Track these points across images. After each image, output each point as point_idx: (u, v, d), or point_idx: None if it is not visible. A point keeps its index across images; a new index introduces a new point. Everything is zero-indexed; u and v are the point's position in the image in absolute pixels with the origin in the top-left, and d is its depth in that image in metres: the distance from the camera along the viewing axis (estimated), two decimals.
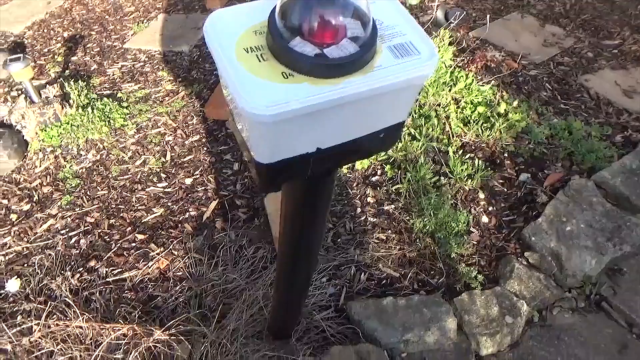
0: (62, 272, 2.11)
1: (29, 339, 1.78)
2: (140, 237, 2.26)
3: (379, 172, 2.49)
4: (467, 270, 2.06)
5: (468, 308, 1.90)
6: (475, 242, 2.19)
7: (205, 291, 1.98)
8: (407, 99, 0.82)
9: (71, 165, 2.66)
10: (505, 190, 2.40)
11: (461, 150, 2.54)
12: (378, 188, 2.41)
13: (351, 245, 2.17)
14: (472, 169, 2.40)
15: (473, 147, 2.58)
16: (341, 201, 2.37)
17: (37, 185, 2.58)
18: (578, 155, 2.47)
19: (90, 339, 1.77)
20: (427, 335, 1.81)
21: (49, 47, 3.72)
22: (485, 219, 2.28)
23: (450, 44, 3.03)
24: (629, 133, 2.65)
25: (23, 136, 2.77)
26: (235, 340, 1.71)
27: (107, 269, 2.13)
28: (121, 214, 2.38)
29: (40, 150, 2.75)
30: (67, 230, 2.33)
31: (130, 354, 1.69)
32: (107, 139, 2.80)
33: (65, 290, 2.00)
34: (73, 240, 2.28)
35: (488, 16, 3.43)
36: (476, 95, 2.71)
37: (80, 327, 1.80)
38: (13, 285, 2.04)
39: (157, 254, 2.17)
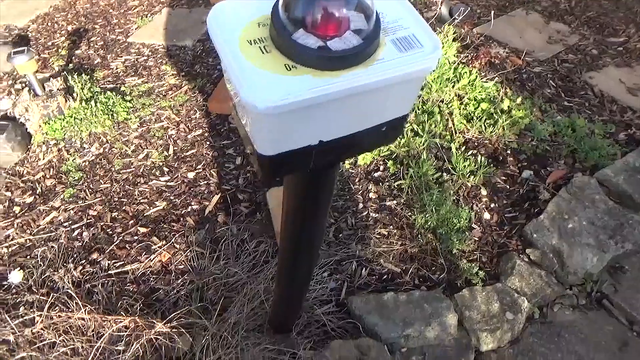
0: (65, 264, 2.12)
1: (31, 330, 1.79)
2: (142, 230, 2.27)
3: (381, 167, 2.49)
4: (468, 266, 2.06)
5: (469, 304, 1.90)
6: (476, 239, 2.19)
7: (206, 284, 1.99)
8: (410, 93, 0.82)
9: (74, 159, 2.67)
10: (508, 187, 2.39)
11: (464, 147, 2.54)
12: (380, 184, 2.41)
13: (353, 240, 2.18)
14: (475, 166, 2.40)
15: (476, 144, 2.57)
16: (343, 196, 2.37)
17: (40, 178, 2.58)
18: (581, 152, 2.46)
19: (92, 331, 1.78)
20: (428, 331, 1.82)
21: (53, 41, 3.72)
22: (487, 215, 2.28)
23: (454, 40, 3.02)
24: (632, 131, 2.65)
25: (26, 129, 2.78)
26: (236, 334, 1.72)
27: (109, 262, 2.13)
28: (124, 207, 2.39)
29: (44, 143, 2.76)
30: (70, 222, 2.33)
31: (132, 346, 1.70)
32: (110, 132, 2.80)
33: (68, 282, 2.01)
34: (76, 232, 2.29)
35: (492, 12, 3.42)
36: (480, 92, 2.71)
37: (82, 319, 1.81)
38: (16, 276, 2.05)
39: (159, 247, 2.18)
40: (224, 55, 0.71)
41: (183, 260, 2.12)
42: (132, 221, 2.32)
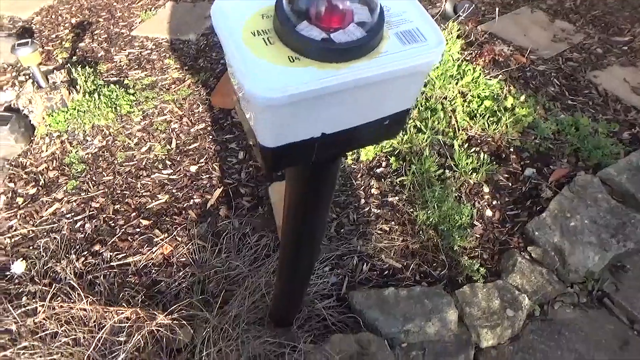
0: (67, 255, 2.13)
1: (34, 320, 1.80)
2: (144, 222, 2.27)
3: (383, 163, 2.49)
4: (469, 263, 2.06)
5: (469, 300, 1.91)
6: (478, 236, 2.19)
7: (208, 277, 2.00)
8: (413, 86, 0.82)
9: (77, 151, 2.67)
10: (510, 184, 2.39)
11: (467, 144, 2.53)
12: (382, 179, 2.41)
13: (354, 235, 2.18)
14: (477, 163, 2.39)
15: (479, 141, 2.57)
16: (345, 192, 2.38)
17: (43, 170, 2.59)
18: (584, 151, 2.46)
19: (94, 322, 1.79)
20: (428, 326, 1.82)
21: (57, 33, 3.72)
22: (489, 212, 2.28)
23: (458, 37, 3.01)
24: (636, 130, 2.64)
25: (30, 121, 2.79)
26: (237, 326, 1.73)
27: (111, 254, 2.14)
28: (126, 200, 2.40)
29: (47, 135, 2.76)
30: (73, 214, 2.34)
31: (133, 337, 1.71)
32: (113, 125, 2.81)
33: (70, 273, 2.02)
34: (78, 224, 2.30)
35: (497, 10, 3.41)
36: (483, 89, 2.70)
37: (84, 310, 1.82)
38: (18, 267, 2.06)
39: (161, 239, 2.19)
40: (228, 46, 0.71)
41: (185, 253, 2.12)
42: (134, 214, 2.33)
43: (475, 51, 3.10)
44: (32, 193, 2.47)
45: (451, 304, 1.88)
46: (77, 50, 3.52)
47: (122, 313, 1.78)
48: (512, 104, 2.63)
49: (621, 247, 2.04)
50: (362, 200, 2.34)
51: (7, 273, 2.07)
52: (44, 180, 2.53)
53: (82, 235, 2.24)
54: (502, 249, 2.15)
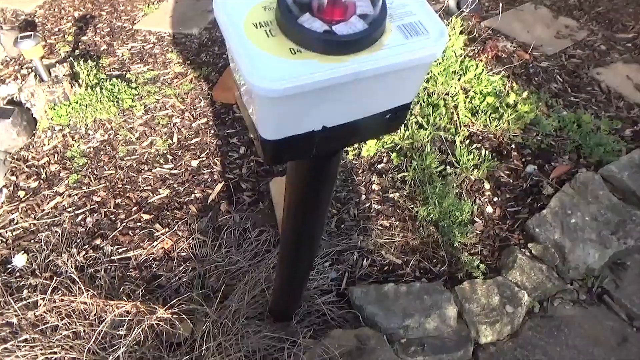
0: (68, 249, 2.14)
1: (34, 313, 1.81)
2: (145, 217, 2.28)
3: (384, 159, 2.49)
4: (469, 259, 2.06)
5: (469, 296, 1.91)
6: (478, 232, 2.19)
7: (208, 272, 2.00)
8: (414, 80, 0.82)
9: (79, 145, 2.67)
10: (511, 181, 2.39)
11: (468, 140, 2.53)
12: (383, 175, 2.41)
13: (355, 231, 2.18)
14: (479, 159, 2.39)
15: (480, 138, 2.57)
16: (346, 187, 2.38)
17: (45, 163, 2.60)
18: (586, 148, 2.45)
19: (95, 315, 1.80)
20: (427, 322, 1.82)
21: (60, 27, 3.72)
22: (489, 209, 2.28)
23: (461, 32, 3.00)
24: (638, 127, 2.63)
25: (32, 114, 2.79)
26: (236, 321, 1.73)
27: (112, 248, 2.15)
28: (127, 194, 2.40)
29: (49, 129, 2.76)
30: (74, 208, 2.35)
31: (134, 330, 1.71)
32: (115, 119, 2.81)
33: (71, 266, 2.03)
34: (79, 218, 2.30)
35: (501, 6, 3.39)
36: (485, 86, 2.69)
37: (85, 303, 1.82)
38: (20, 260, 2.07)
39: (162, 234, 2.19)
40: (230, 38, 0.70)
41: (185, 248, 2.13)
42: (135, 208, 2.33)
43: (478, 47, 3.09)
44: (33, 186, 2.47)
45: (451, 300, 1.89)
46: (80, 43, 3.52)
47: (123, 307, 1.79)
48: (514, 101, 2.63)
49: (621, 245, 2.04)
50: (363, 196, 2.34)
51: (9, 266, 2.07)
52: (45, 173, 2.53)
53: (83, 229, 2.25)
54: (502, 246, 2.15)
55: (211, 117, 2.82)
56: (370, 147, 2.49)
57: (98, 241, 2.18)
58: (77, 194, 2.41)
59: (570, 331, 1.89)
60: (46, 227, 2.26)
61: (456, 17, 3.09)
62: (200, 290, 1.91)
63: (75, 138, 2.72)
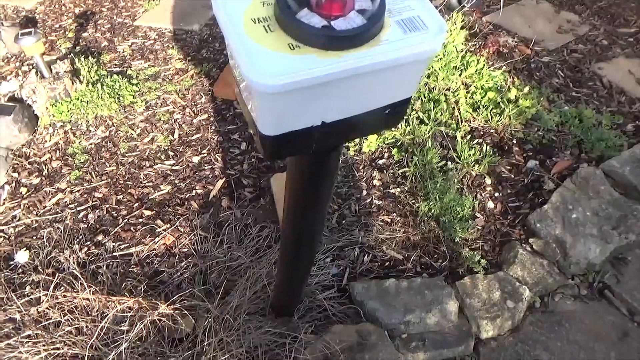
0: (70, 245, 2.15)
1: (37, 309, 1.82)
2: (147, 213, 2.28)
3: (385, 155, 2.48)
4: (470, 254, 2.07)
5: (470, 292, 1.91)
6: (479, 227, 2.19)
7: (210, 268, 2.01)
8: (414, 75, 0.81)
9: (80, 141, 2.68)
10: (512, 176, 2.39)
11: (469, 136, 2.53)
12: (384, 171, 2.41)
13: (356, 227, 2.18)
14: (480, 155, 2.39)
15: (481, 133, 2.56)
16: (347, 183, 2.38)
17: (46, 160, 2.60)
18: (587, 143, 2.45)
19: (97, 311, 1.81)
20: (428, 317, 1.83)
21: (60, 23, 3.72)
22: (490, 204, 2.28)
23: (462, 27, 2.99)
24: None
25: (33, 111, 2.80)
26: (238, 316, 1.74)
27: (114, 244, 2.15)
28: (129, 190, 2.41)
29: (50, 125, 2.77)
30: (76, 204, 2.35)
31: (136, 326, 1.72)
32: (116, 115, 2.81)
33: (73, 263, 2.03)
34: (81, 214, 2.31)
35: (502, 1, 3.38)
36: (487, 81, 2.69)
37: (87, 299, 1.83)
38: (22, 256, 2.08)
39: (163, 230, 2.19)
40: (228, 33, 0.70)
41: (187, 244, 2.13)
42: (137, 204, 2.33)
43: (480, 42, 3.09)
44: (35, 183, 2.48)
45: (451, 295, 1.89)
46: (81, 40, 3.52)
47: (125, 303, 1.79)
48: (515, 96, 2.62)
49: (622, 240, 2.04)
50: (364, 192, 2.34)
51: (11, 262, 2.08)
52: (47, 170, 2.54)
53: (85, 226, 2.25)
54: (503, 241, 2.15)
55: (212, 113, 2.82)
56: (371, 143, 2.49)
57: (100, 237, 2.19)
58: (78, 191, 2.41)
59: (571, 326, 1.89)
60: (48, 223, 2.27)
61: (457, 12, 3.08)
62: (201, 286, 1.92)
63: (76, 134, 2.72)
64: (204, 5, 3.76)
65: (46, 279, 1.95)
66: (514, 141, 2.52)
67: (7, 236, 2.23)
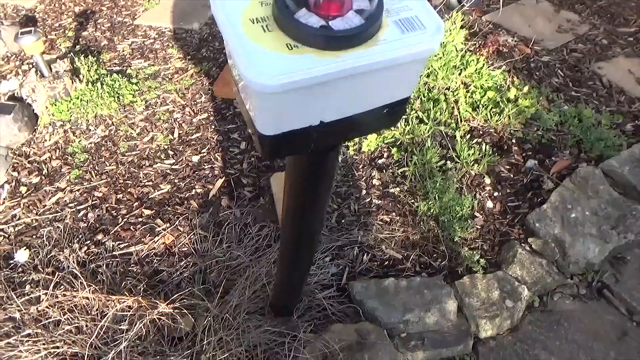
0: (70, 244, 2.15)
1: (37, 308, 1.82)
2: (146, 212, 2.29)
3: (385, 154, 2.49)
4: (469, 254, 2.07)
5: (469, 291, 1.91)
6: (479, 227, 2.20)
7: (209, 267, 2.01)
8: (412, 74, 0.82)
9: (80, 140, 2.68)
10: (512, 176, 2.39)
11: (469, 135, 2.53)
12: (384, 170, 2.41)
13: (355, 226, 2.19)
14: (479, 154, 2.39)
15: (481, 132, 2.56)
16: (346, 183, 2.38)
17: (46, 159, 2.60)
18: (587, 142, 2.45)
19: (96, 310, 1.81)
20: (427, 317, 1.83)
21: (60, 22, 3.72)
22: (490, 204, 2.28)
23: (462, 27, 2.99)
24: (639, 122, 2.63)
25: (33, 110, 2.80)
26: (237, 315, 1.74)
27: (113, 243, 2.16)
28: (128, 189, 2.41)
29: (50, 124, 2.77)
30: (76, 203, 2.36)
31: (135, 325, 1.72)
32: (116, 114, 2.81)
33: (73, 262, 2.04)
34: (81, 213, 2.31)
35: (502, 0, 3.38)
36: (486, 80, 2.69)
37: (87, 298, 1.83)
38: (22, 255, 2.08)
39: (163, 229, 2.20)
40: (226, 33, 0.71)
41: (186, 243, 2.13)
42: (136, 203, 2.34)
43: (479, 41, 3.08)
44: (35, 182, 2.48)
45: (451, 295, 1.89)
46: (80, 39, 3.52)
47: (124, 302, 1.80)
48: (515, 95, 2.62)
49: (621, 239, 2.04)
50: (364, 191, 2.34)
51: (11, 262, 2.08)
52: (47, 169, 2.54)
53: (85, 225, 2.26)
54: (502, 240, 2.15)
55: (212, 113, 2.82)
56: (370, 142, 2.49)
57: (100, 236, 2.19)
58: (78, 190, 2.42)
59: (570, 325, 1.89)
60: (48, 222, 2.27)
61: (457, 11, 3.08)
62: (201, 285, 1.92)
63: (76, 134, 2.72)
64: (204, 4, 3.77)
65: (46, 278, 1.96)
66: (514, 141, 2.52)
67: (7, 235, 2.23)
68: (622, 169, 2.25)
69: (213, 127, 2.73)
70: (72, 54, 3.20)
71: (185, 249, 2.12)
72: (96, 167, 2.53)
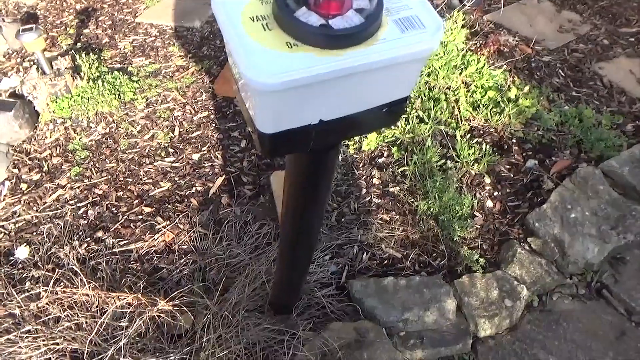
0: (70, 241, 2.15)
1: (37, 305, 1.83)
2: (147, 210, 2.29)
3: (385, 153, 2.49)
4: (469, 253, 2.07)
5: (468, 290, 1.92)
6: (478, 226, 2.20)
7: (209, 265, 2.01)
8: (411, 73, 0.82)
9: (81, 137, 2.68)
10: (512, 175, 2.39)
11: (469, 135, 2.53)
12: (384, 169, 2.41)
13: (355, 225, 2.19)
14: (479, 154, 2.39)
15: (481, 132, 2.56)
16: (346, 181, 2.38)
17: (47, 156, 2.61)
18: (587, 143, 2.45)
19: (96, 307, 1.82)
20: (426, 315, 1.83)
21: (62, 19, 3.72)
22: (489, 203, 2.28)
23: (463, 26, 2.99)
24: None
25: (34, 107, 2.80)
26: (237, 313, 1.74)
27: (113, 240, 2.16)
28: (129, 187, 2.41)
29: (51, 122, 2.77)
30: (76, 200, 2.36)
31: (135, 322, 1.73)
32: (117, 112, 2.82)
33: (73, 259, 2.04)
34: (81, 210, 2.31)
35: (503, 0, 3.38)
36: (487, 80, 2.69)
37: (87, 295, 1.84)
38: (22, 252, 2.09)
39: (163, 227, 2.20)
40: (227, 31, 0.71)
41: (186, 241, 2.14)
42: (137, 201, 2.34)
43: (480, 41, 3.08)
44: (35, 179, 2.49)
45: (450, 294, 1.89)
46: (82, 36, 3.52)
47: (124, 299, 1.80)
48: (515, 95, 2.62)
49: (621, 240, 2.05)
50: (364, 190, 2.35)
51: (11, 258, 2.09)
52: (47, 166, 2.54)
53: (85, 222, 2.26)
54: (502, 240, 2.15)
55: (212, 111, 2.82)
56: (370, 141, 2.49)
57: (100, 234, 2.20)
58: (79, 187, 2.42)
59: (569, 325, 1.89)
60: (48, 219, 2.28)
61: (458, 11, 3.08)
62: (201, 282, 1.92)
63: (77, 131, 2.73)
64: (205, 2, 3.76)
65: (46, 275, 1.96)
66: (514, 140, 2.52)
67: (7, 232, 2.24)
68: (622, 170, 2.25)
69: (213, 125, 2.73)
70: (73, 51, 3.20)
71: (185, 246, 2.12)
72: (97, 165, 2.54)
